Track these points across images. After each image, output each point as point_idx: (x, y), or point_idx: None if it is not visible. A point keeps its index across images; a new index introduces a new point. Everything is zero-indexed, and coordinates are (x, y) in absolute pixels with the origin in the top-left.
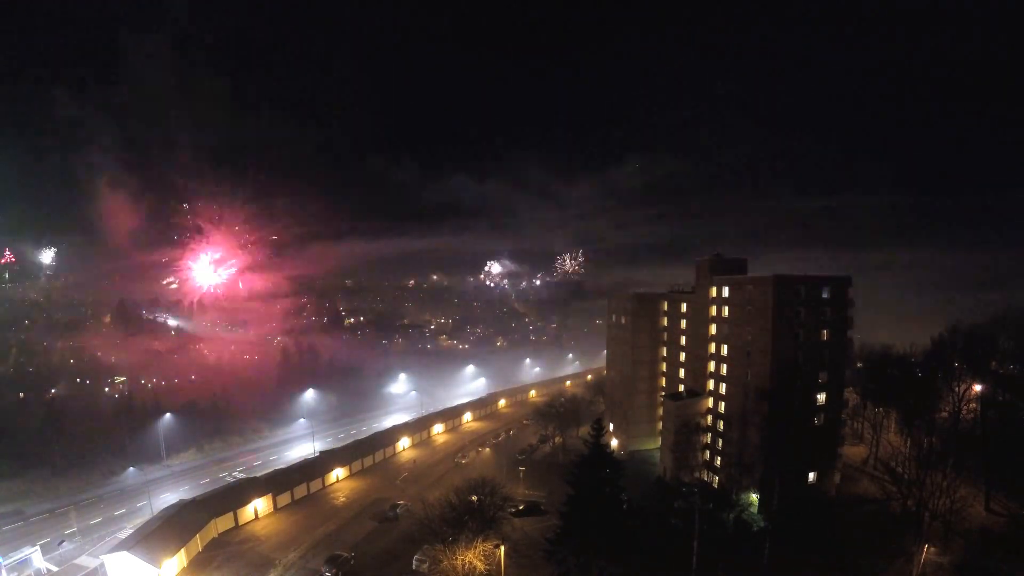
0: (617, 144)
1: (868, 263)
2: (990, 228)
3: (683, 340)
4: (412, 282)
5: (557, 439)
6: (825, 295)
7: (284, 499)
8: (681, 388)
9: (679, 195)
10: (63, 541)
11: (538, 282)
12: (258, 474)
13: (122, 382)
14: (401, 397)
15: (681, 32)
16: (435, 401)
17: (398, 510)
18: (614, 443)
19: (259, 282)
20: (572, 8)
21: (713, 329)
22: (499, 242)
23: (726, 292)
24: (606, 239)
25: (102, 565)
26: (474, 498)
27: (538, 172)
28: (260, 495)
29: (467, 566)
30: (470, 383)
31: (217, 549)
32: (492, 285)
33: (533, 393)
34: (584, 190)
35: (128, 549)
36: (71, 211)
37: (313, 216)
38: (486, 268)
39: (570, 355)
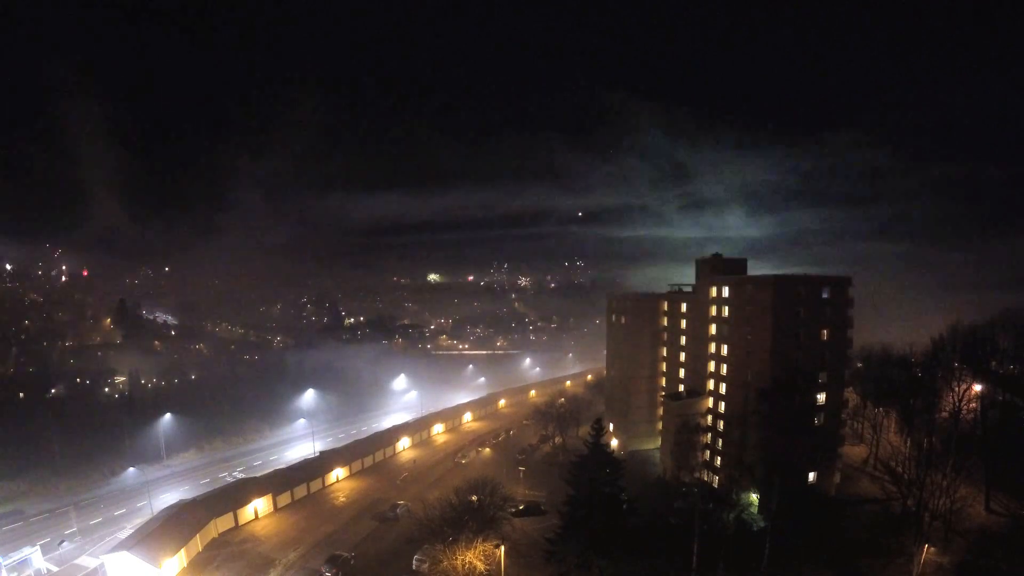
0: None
1: (868, 261)
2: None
3: (683, 340)
4: (409, 281)
5: (557, 439)
6: (825, 295)
7: (284, 499)
8: (681, 388)
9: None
10: (63, 541)
11: (522, 281)
12: (258, 474)
13: (122, 382)
14: (401, 397)
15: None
16: (435, 401)
17: (398, 510)
18: (614, 443)
19: None
20: None
21: (713, 329)
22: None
23: (726, 292)
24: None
25: (102, 565)
26: (474, 498)
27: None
28: (260, 495)
29: (467, 566)
30: (470, 383)
31: (217, 549)
32: (498, 287)
33: (533, 393)
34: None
35: (128, 549)
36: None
37: None
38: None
39: (570, 355)
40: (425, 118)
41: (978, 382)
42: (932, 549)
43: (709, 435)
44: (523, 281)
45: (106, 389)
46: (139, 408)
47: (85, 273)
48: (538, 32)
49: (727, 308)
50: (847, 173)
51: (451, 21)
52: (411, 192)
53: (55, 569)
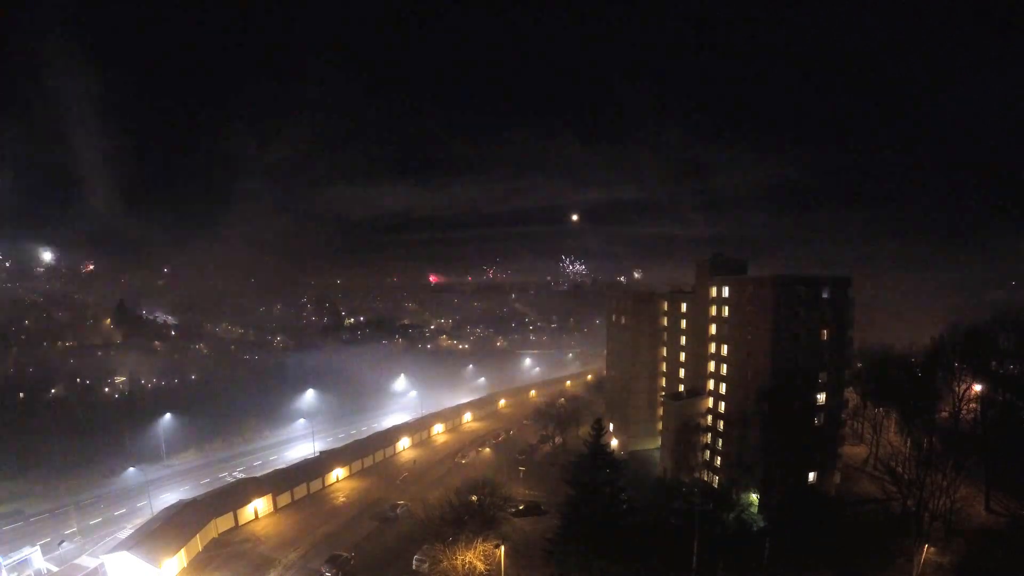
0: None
1: (868, 261)
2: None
3: (683, 340)
4: (410, 281)
5: (557, 439)
6: (825, 295)
7: (284, 499)
8: (681, 388)
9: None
10: (63, 541)
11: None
12: (258, 474)
13: (122, 382)
14: (401, 397)
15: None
16: (435, 401)
17: (398, 510)
18: (614, 443)
19: None
20: None
21: (713, 329)
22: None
23: (726, 292)
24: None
25: (102, 565)
26: (474, 498)
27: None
28: (260, 495)
29: (467, 566)
30: (470, 383)
31: (217, 549)
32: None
33: (533, 393)
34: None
35: (128, 549)
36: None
37: None
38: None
39: (570, 355)
40: (429, 113)
41: (978, 382)
42: (932, 549)
43: (709, 435)
44: (523, 280)
45: (106, 389)
46: (139, 408)
47: (90, 267)
48: (545, 29)
49: (727, 308)
50: (848, 173)
51: (458, 15)
52: (411, 190)
53: (55, 569)
